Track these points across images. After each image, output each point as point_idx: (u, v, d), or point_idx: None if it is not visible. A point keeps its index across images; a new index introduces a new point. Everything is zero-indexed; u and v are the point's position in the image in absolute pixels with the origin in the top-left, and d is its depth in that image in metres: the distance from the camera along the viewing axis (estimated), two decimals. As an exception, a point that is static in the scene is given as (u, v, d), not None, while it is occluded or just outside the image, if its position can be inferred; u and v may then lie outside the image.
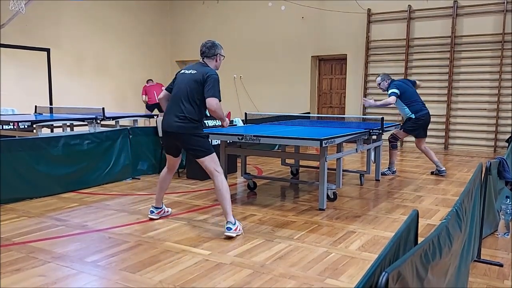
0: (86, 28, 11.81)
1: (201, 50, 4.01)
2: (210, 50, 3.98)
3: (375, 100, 6.90)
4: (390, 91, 6.49)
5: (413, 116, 6.50)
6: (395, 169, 6.79)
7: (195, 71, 3.88)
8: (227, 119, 4.17)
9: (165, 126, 3.95)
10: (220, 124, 4.31)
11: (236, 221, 3.90)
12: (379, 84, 6.74)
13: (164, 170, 4.27)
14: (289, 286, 2.85)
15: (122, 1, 12.57)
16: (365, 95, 10.95)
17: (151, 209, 4.33)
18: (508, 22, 9.19)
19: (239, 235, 3.84)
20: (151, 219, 4.27)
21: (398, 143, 6.81)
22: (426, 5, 10.03)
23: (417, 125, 6.53)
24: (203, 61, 4.00)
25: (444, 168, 6.74)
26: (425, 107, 6.58)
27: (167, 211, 4.45)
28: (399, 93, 6.42)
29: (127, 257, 3.34)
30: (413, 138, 7.05)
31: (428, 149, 6.72)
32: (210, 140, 6.15)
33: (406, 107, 6.51)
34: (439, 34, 9.92)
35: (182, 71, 4.01)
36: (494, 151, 9.45)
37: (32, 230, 3.98)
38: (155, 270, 3.09)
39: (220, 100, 3.85)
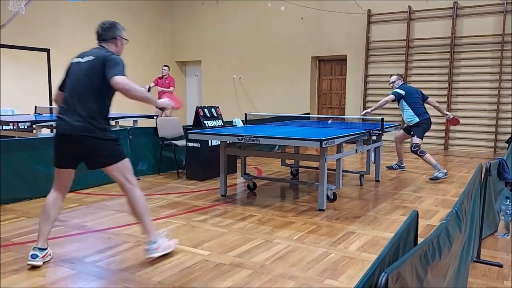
0: (86, 28, 11.77)
1: (97, 33, 3.27)
2: (107, 32, 3.24)
3: (369, 108, 7.08)
4: (394, 90, 6.74)
5: (417, 119, 6.59)
6: (445, 171, 6.47)
7: (92, 57, 3.12)
8: (168, 100, 3.36)
9: (63, 129, 3.09)
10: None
11: (159, 238, 3.28)
12: (394, 82, 6.93)
13: (52, 193, 3.25)
14: (289, 287, 2.85)
15: (122, 1, 12.58)
16: (365, 96, 10.96)
17: (34, 252, 3.11)
18: (508, 23, 9.19)
19: (167, 253, 3.30)
20: (33, 267, 3.08)
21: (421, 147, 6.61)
22: (426, 6, 10.04)
23: (424, 127, 6.63)
24: (100, 45, 3.27)
25: (404, 165, 7.23)
26: (427, 113, 6.71)
27: (50, 254, 3.25)
28: (403, 94, 6.61)
29: (127, 257, 3.34)
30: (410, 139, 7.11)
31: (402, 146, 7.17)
32: (210, 141, 6.21)
33: (410, 109, 6.63)
34: (439, 35, 9.92)
35: (76, 59, 3.24)
36: (494, 152, 9.45)
37: (31, 230, 3.97)
38: (154, 270, 3.09)
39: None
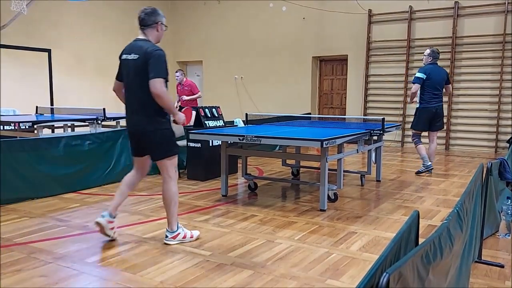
0: (87, 29, 11.82)
1: (139, 18, 3.46)
2: (150, 17, 3.45)
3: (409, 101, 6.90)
4: (416, 74, 6.53)
5: (418, 105, 6.58)
6: (429, 163, 6.65)
7: (136, 56, 3.39)
8: (181, 114, 3.59)
9: (128, 125, 3.59)
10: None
11: (181, 228, 3.68)
12: (424, 56, 6.72)
13: (131, 172, 3.75)
14: (290, 287, 2.85)
15: (122, 1, 12.59)
16: (366, 96, 10.96)
17: (102, 213, 3.63)
18: (509, 23, 9.18)
19: (184, 241, 3.63)
20: (99, 225, 3.58)
21: (421, 138, 6.76)
22: (427, 6, 10.03)
23: (416, 116, 6.66)
24: (143, 32, 3.49)
25: (430, 163, 6.72)
26: (435, 101, 6.54)
27: (115, 228, 3.73)
28: (424, 77, 6.44)
29: (128, 257, 3.35)
30: (409, 140, 7.10)
31: (430, 145, 6.80)
32: (211, 141, 6.21)
33: (420, 94, 6.56)
34: (440, 35, 9.91)
35: (124, 56, 3.53)
36: (495, 152, 9.44)
37: (33, 230, 3.98)
38: (156, 270, 3.10)
39: (167, 80, 3.37)
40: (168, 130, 3.51)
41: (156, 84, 3.28)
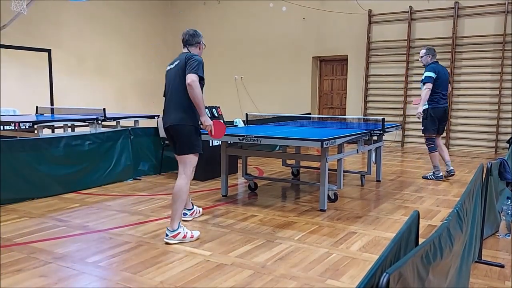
0: (87, 29, 11.82)
1: (183, 39, 3.91)
2: (193, 38, 3.90)
3: (414, 104, 6.46)
4: (425, 74, 6.14)
5: (426, 106, 6.20)
6: (441, 174, 6.35)
7: (178, 61, 3.80)
8: (208, 119, 3.77)
9: (163, 122, 3.86)
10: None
11: (182, 227, 3.76)
12: (422, 57, 6.36)
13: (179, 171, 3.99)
14: (290, 287, 2.85)
15: (123, 2, 12.59)
16: (366, 96, 10.96)
17: (184, 211, 4.20)
18: (509, 23, 9.18)
19: (184, 241, 3.69)
20: (185, 221, 4.19)
21: (435, 144, 6.37)
22: (427, 6, 10.03)
23: (427, 119, 6.25)
24: (187, 49, 3.89)
25: (452, 168, 6.43)
26: (444, 101, 6.28)
27: (199, 211, 4.49)
28: (435, 76, 6.09)
29: (128, 257, 3.35)
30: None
31: (443, 148, 6.50)
32: (211, 141, 6.21)
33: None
34: (440, 35, 9.91)
35: (168, 67, 3.93)
36: (495, 152, 9.44)
37: (33, 230, 3.98)
38: (156, 270, 3.10)
39: (203, 79, 3.66)
40: (196, 128, 3.75)
41: (191, 76, 3.58)
